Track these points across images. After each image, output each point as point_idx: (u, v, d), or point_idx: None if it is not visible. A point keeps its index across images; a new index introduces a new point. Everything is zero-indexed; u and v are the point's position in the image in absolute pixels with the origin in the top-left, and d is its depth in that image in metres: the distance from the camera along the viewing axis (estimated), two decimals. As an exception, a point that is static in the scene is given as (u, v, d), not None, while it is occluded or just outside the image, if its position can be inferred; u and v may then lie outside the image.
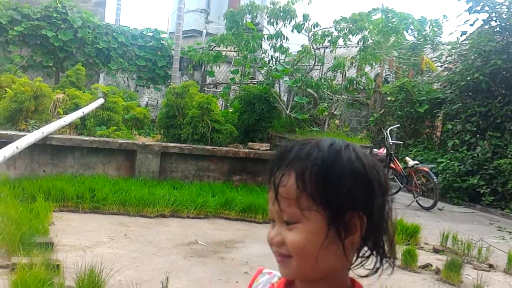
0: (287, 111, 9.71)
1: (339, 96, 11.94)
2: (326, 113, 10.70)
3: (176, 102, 8.90)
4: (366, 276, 0.93)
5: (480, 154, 10.55)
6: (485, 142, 10.73)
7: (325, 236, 0.85)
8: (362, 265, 0.92)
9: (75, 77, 9.98)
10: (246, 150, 8.31)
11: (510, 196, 9.68)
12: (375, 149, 10.65)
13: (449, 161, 10.79)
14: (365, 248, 0.91)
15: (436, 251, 5.95)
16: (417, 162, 9.76)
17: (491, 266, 5.48)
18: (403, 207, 8.84)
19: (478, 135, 11.06)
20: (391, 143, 10.06)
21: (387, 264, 0.92)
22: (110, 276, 3.59)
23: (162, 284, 3.63)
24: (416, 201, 9.19)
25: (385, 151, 10.02)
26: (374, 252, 0.91)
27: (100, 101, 8.94)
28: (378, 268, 0.92)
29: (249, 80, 12.66)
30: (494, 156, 10.36)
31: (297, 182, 0.86)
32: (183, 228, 5.74)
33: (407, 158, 10.10)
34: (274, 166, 0.90)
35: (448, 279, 4.78)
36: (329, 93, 11.25)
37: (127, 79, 15.22)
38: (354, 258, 0.91)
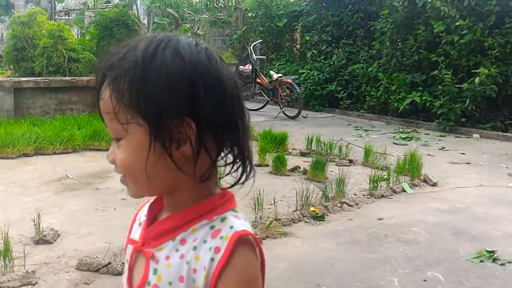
0: (148, 34, 9.34)
1: (201, 15, 11.74)
2: (190, 34, 10.50)
3: (23, 33, 8.14)
4: (232, 185, 0.84)
5: (336, 62, 11.23)
6: (340, 50, 11.42)
7: (148, 150, 0.74)
8: (228, 174, 0.83)
9: None
10: (109, 78, 7.94)
11: (364, 98, 10.57)
12: (241, 66, 10.85)
13: (309, 71, 11.33)
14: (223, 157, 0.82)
15: (302, 154, 6.40)
16: (281, 75, 10.15)
17: (351, 161, 6.05)
18: (271, 119, 9.29)
19: (333, 44, 11.68)
20: (255, 59, 10.29)
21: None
22: (-26, 222, 3.36)
23: (34, 222, 3.49)
24: (283, 111, 9.66)
25: (250, 67, 10.28)
26: (231, 160, 0.82)
27: None
28: (240, 177, 0.82)
29: (104, 4, 11.87)
30: (348, 63, 11.11)
31: (112, 93, 0.74)
32: (50, 165, 5.46)
33: (271, 72, 10.44)
34: (96, 76, 0.78)
35: (315, 177, 5.20)
36: (190, 12, 11.01)
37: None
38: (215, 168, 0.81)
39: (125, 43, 0.78)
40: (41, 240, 3.41)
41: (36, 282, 2.87)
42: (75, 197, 4.46)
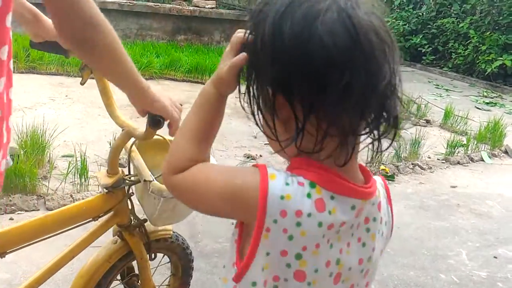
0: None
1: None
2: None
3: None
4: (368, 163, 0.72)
5: (425, 13, 10.58)
6: (431, 0, 10.70)
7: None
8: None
9: None
10: (191, 8, 7.90)
11: (449, 55, 9.96)
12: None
13: (394, 20, 10.77)
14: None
15: (377, 108, 6.16)
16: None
17: (428, 121, 5.78)
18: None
19: (424, -6, 10.98)
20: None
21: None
22: (54, 137, 3.51)
23: (110, 144, 3.60)
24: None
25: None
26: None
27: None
28: (376, 152, 0.73)
29: None
30: (438, 15, 10.43)
31: None
32: (127, 89, 5.58)
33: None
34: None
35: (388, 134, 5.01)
36: None
37: None
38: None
39: None
40: (115, 162, 3.52)
41: (108, 203, 2.98)
42: (149, 124, 4.54)
